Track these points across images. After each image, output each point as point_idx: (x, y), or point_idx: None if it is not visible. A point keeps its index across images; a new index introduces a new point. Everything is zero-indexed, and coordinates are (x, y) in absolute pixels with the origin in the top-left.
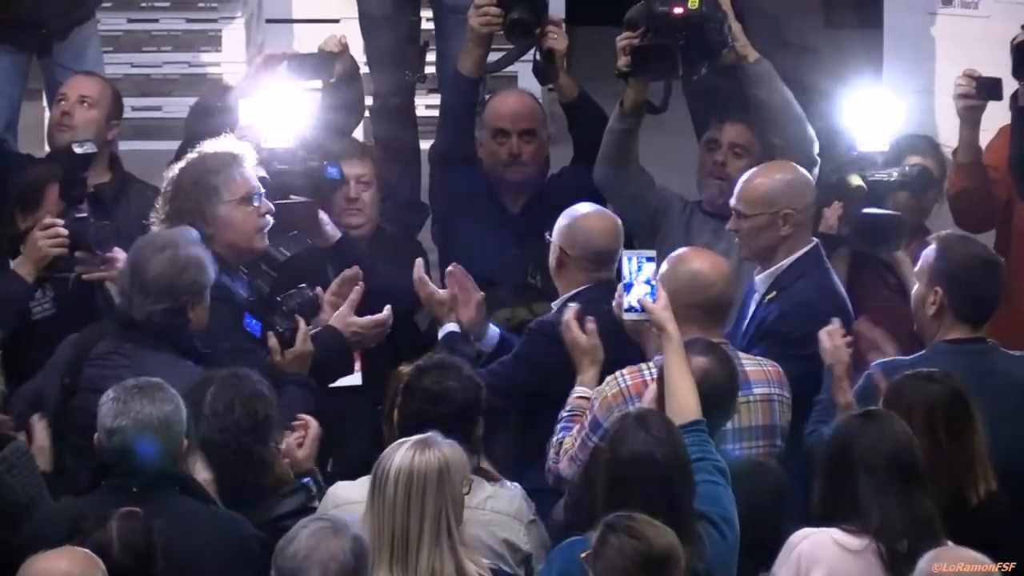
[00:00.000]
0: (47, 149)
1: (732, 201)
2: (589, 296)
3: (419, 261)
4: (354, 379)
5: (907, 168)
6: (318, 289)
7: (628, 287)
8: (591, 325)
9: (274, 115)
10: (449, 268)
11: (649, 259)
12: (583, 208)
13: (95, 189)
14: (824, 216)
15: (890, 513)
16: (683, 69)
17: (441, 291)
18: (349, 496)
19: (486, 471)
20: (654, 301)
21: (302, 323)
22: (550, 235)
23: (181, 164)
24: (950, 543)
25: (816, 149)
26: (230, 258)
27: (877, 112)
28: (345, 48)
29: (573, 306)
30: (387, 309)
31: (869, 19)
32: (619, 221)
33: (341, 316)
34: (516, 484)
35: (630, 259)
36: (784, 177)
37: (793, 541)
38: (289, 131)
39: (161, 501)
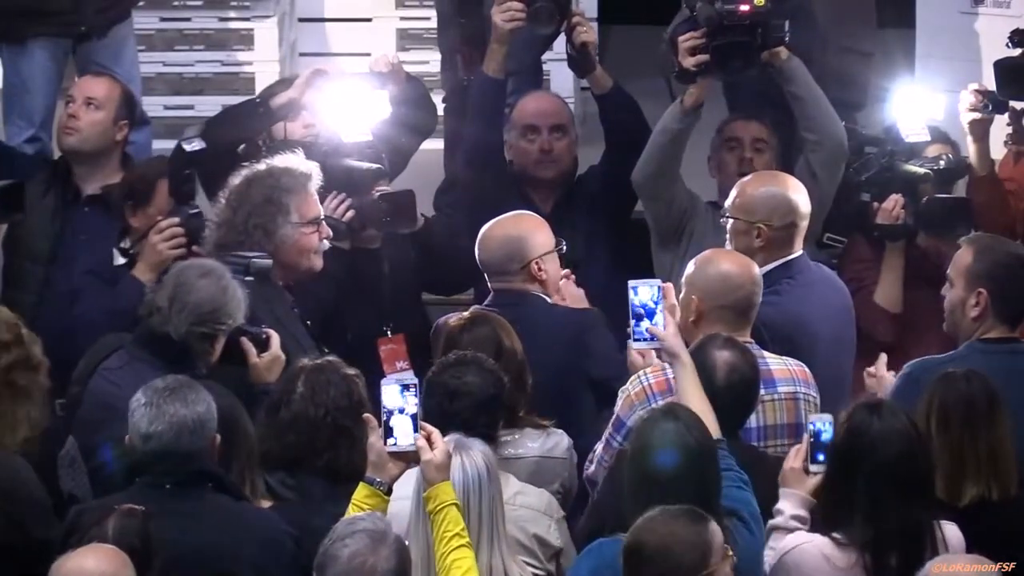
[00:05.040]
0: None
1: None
2: (495, 302)
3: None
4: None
5: (950, 156)
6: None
7: (636, 316)
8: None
9: (349, 111)
10: None
11: (657, 287)
12: (497, 219)
13: (103, 190)
14: (883, 209)
15: (884, 527)
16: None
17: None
18: (399, 492)
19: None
20: (663, 328)
21: (272, 332)
22: None
23: (247, 175)
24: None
25: (847, 143)
26: (281, 277)
27: (918, 104)
28: (396, 67)
29: None
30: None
31: (904, 18)
32: (512, 235)
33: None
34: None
35: (637, 288)
36: (769, 191)
37: (784, 546)
38: (365, 126)
39: (194, 498)
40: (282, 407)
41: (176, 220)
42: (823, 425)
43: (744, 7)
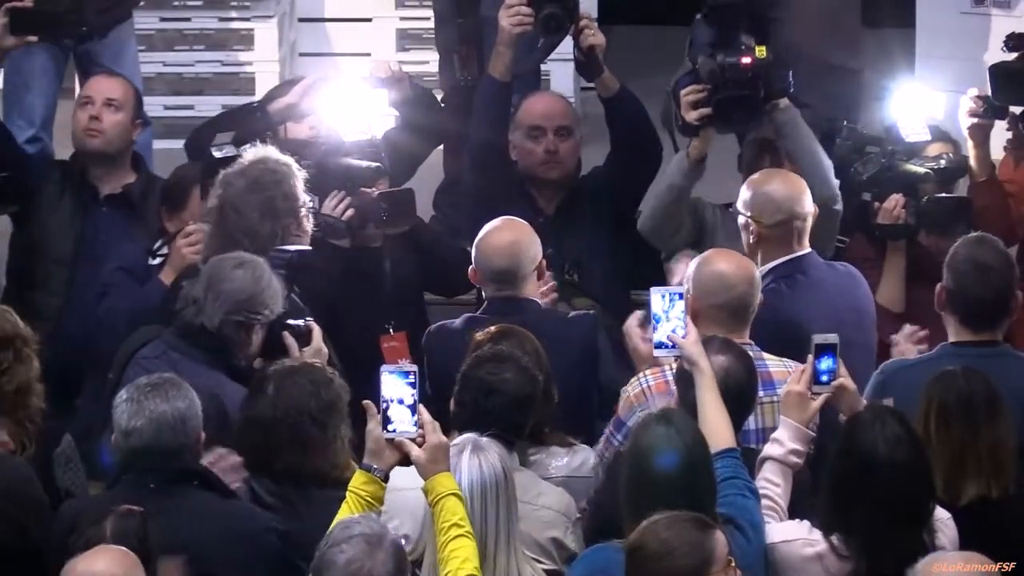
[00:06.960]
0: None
1: None
2: (490, 310)
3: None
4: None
5: (950, 155)
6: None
7: (658, 323)
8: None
9: (348, 109)
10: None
11: (679, 295)
12: (492, 225)
13: (123, 190)
14: (884, 209)
15: (882, 549)
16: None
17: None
18: (405, 482)
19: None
20: (684, 336)
21: (313, 323)
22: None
23: (249, 181)
24: None
25: (838, 196)
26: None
27: (918, 103)
28: (400, 75)
29: (637, 314)
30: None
31: (904, 18)
32: (520, 240)
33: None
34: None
35: (660, 296)
36: (764, 188)
37: (780, 535)
38: (365, 124)
39: (178, 496)
40: (247, 407)
41: (203, 226)
42: (827, 346)
43: (746, 59)
